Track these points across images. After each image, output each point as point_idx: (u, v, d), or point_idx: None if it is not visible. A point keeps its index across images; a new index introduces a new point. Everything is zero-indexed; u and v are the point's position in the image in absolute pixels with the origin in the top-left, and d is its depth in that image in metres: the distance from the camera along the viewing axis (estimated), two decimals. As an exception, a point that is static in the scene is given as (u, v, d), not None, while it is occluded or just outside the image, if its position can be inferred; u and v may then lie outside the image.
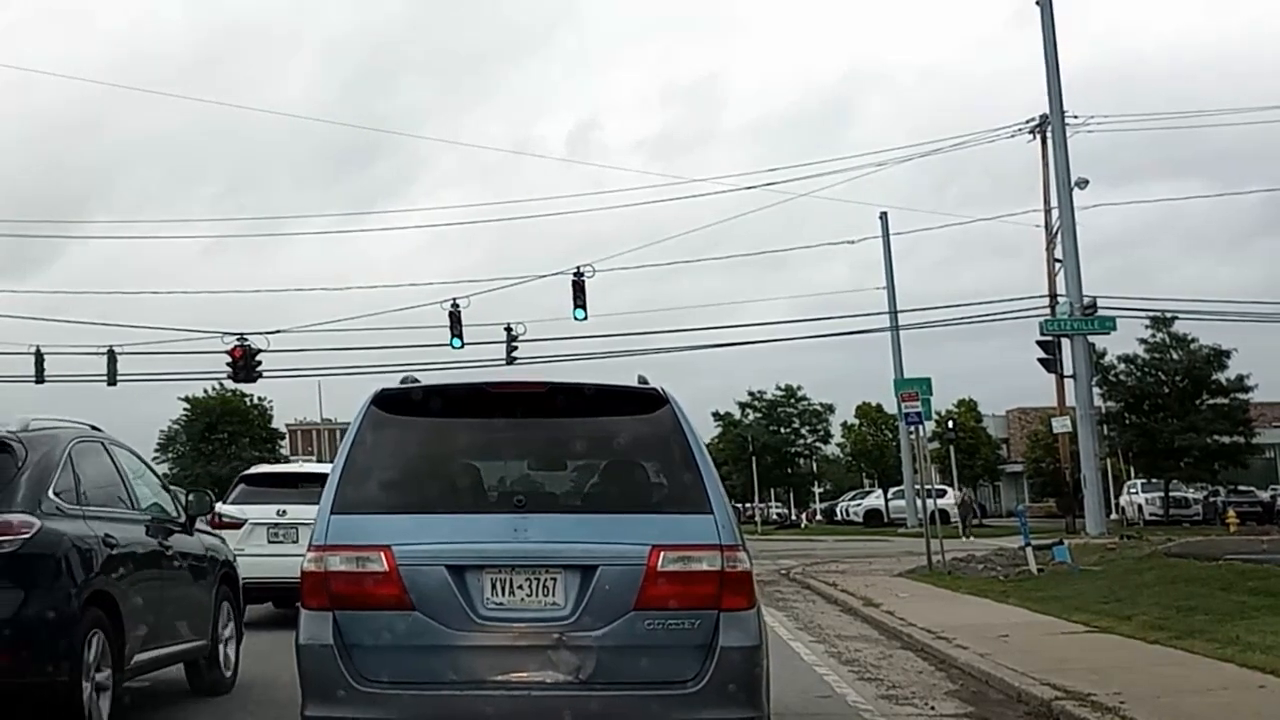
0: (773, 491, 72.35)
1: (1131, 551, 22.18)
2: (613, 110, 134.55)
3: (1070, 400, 43.91)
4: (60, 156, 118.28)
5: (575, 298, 35.24)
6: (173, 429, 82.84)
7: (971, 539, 34.58)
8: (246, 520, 14.70)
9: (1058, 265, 42.57)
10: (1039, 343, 33.05)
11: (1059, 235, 41.97)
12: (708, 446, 6.29)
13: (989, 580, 19.35)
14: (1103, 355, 45.59)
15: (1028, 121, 42.37)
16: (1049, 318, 30.58)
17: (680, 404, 6.01)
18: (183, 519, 9.51)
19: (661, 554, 5.50)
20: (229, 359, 39.65)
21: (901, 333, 48.76)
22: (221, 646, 9.81)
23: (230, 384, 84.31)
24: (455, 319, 36.98)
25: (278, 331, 40.79)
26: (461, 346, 37.26)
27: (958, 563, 22.54)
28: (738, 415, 61.09)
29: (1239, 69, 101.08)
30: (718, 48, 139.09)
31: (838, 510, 62.99)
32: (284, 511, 14.57)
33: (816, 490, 68.36)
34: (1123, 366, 46.22)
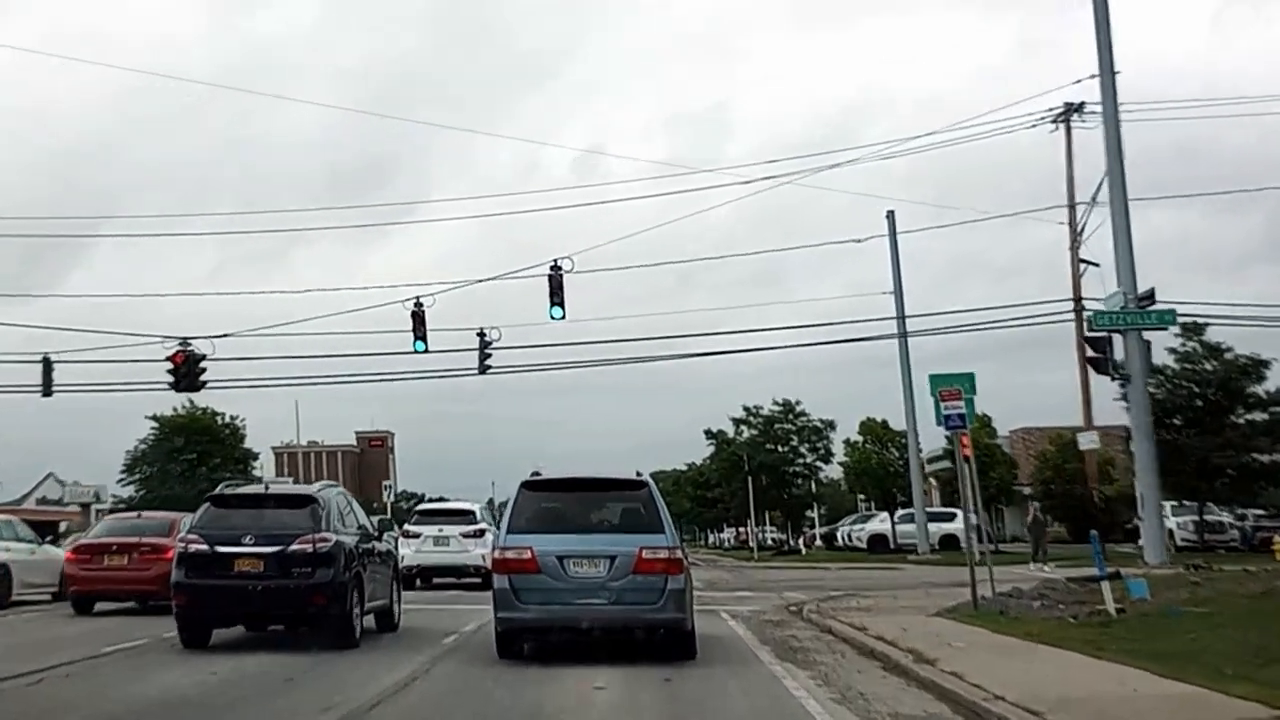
0: (767, 515, 68.27)
1: (1223, 585, 18.26)
2: (618, 139, 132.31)
3: (1098, 413, 40.30)
4: (72, 181, 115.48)
5: (552, 295, 31.27)
6: (139, 449, 78.45)
7: (1047, 567, 29.99)
8: (423, 534, 28.09)
9: (1083, 267, 38.78)
10: (1087, 339, 29.00)
11: (1085, 225, 38.28)
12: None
13: (1058, 624, 15.42)
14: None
15: (1050, 109, 38.80)
16: (1099, 311, 26.57)
17: (653, 483, 13.94)
18: (376, 533, 16.82)
19: (643, 550, 12.80)
20: (170, 365, 35.57)
21: (901, 352, 45.08)
22: (393, 605, 16.68)
23: (200, 401, 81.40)
24: (419, 320, 33.02)
25: (224, 335, 36.80)
26: (425, 350, 33.31)
27: (1005, 598, 18.65)
28: (732, 432, 56.82)
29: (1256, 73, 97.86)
30: (723, 78, 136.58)
31: (839, 535, 58.99)
32: (442, 529, 28.04)
33: (816, 513, 64.21)
34: (1151, 378, 42.26)
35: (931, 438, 46.72)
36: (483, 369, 36.59)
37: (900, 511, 51.11)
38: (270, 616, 14.84)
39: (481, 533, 28.03)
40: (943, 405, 17.34)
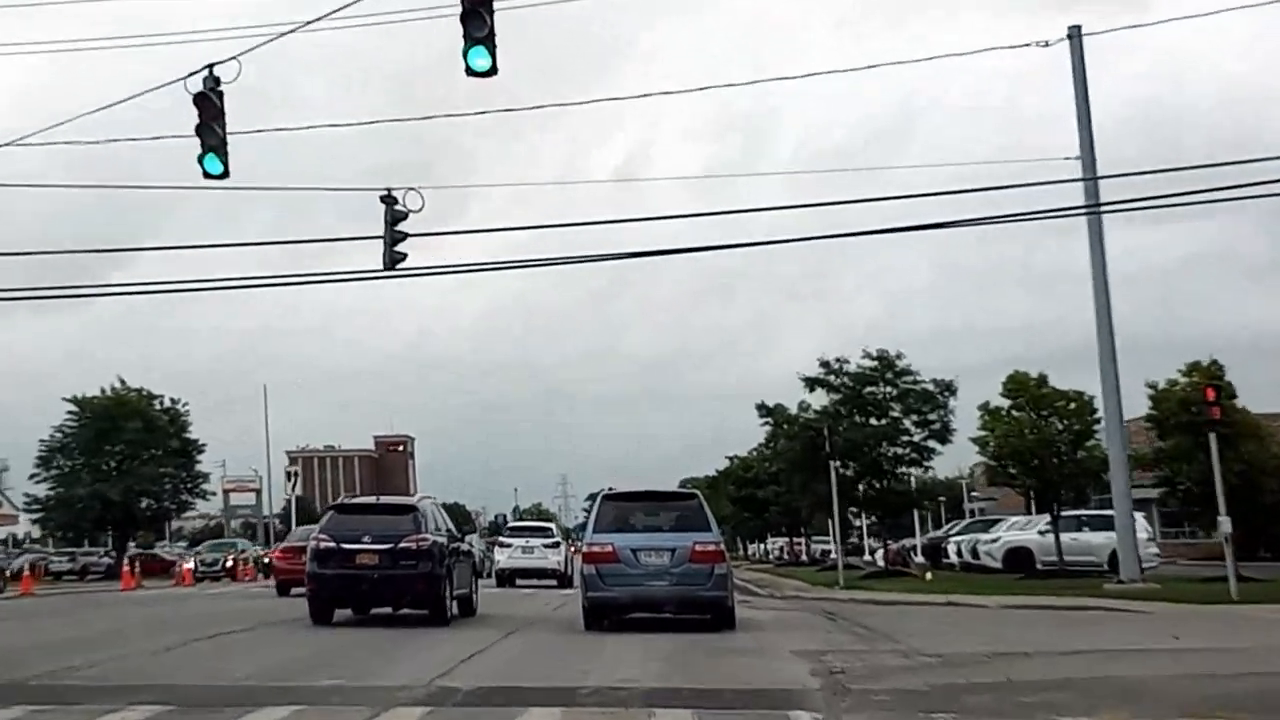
0: (830, 519, 50.82)
1: None
2: (663, 142, 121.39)
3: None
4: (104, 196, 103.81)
5: (468, 26, 14.33)
6: (56, 439, 62.37)
7: None
8: (513, 544, 37.88)
9: None
10: None
11: None
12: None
13: None
14: None
15: None
16: None
17: (701, 495, 20.53)
18: (459, 534, 22.52)
19: (696, 544, 17.96)
20: None
21: (1091, 237, 27.86)
22: (472, 594, 21.75)
23: (131, 381, 64.84)
24: (207, 108, 16.00)
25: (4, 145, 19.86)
26: (223, 173, 16.21)
27: None
28: (798, 402, 39.17)
29: None
30: (769, 82, 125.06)
31: (950, 548, 41.70)
32: (528, 541, 37.71)
33: (916, 516, 46.65)
34: None
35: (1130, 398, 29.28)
36: (391, 261, 19.76)
37: (1068, 513, 33.83)
38: (383, 600, 19.68)
39: (558, 544, 38.21)
40: None
